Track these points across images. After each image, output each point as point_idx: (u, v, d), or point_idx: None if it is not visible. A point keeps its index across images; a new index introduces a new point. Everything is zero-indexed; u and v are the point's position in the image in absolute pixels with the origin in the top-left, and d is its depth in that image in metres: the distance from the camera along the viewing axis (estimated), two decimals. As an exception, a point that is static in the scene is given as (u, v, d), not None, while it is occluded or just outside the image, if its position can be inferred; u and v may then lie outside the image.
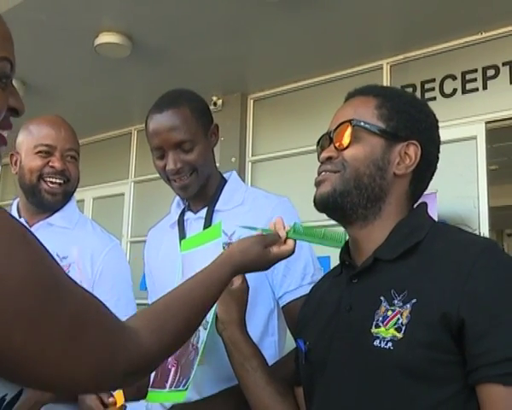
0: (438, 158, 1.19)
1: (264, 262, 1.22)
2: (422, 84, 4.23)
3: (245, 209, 1.61)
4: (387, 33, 4.11)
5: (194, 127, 1.56)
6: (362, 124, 1.14)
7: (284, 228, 1.25)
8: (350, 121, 1.14)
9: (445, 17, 3.78)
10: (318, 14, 3.75)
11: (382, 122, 1.14)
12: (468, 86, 4.03)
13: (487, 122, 3.86)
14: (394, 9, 3.72)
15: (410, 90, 4.24)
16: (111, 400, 1.43)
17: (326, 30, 3.99)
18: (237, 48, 4.29)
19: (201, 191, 1.63)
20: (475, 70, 4.02)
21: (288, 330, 1.58)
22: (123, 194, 6.04)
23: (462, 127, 3.83)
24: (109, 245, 1.86)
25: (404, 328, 0.99)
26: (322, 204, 1.16)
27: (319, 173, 1.18)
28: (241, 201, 1.63)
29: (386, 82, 4.35)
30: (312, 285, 1.44)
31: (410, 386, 0.98)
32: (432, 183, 1.22)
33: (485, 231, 3.71)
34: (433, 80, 4.19)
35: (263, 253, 1.20)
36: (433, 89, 4.17)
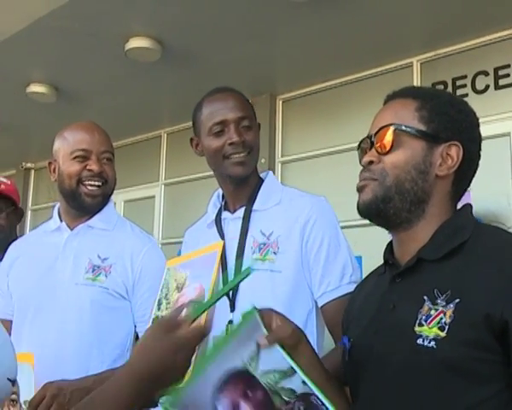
0: (479, 156, 1.20)
1: (173, 359, 0.94)
2: (454, 80, 4.16)
3: (282, 209, 1.63)
4: (416, 30, 4.05)
5: (251, 110, 1.69)
6: (403, 128, 1.14)
7: (185, 305, 1.06)
8: (391, 125, 1.15)
9: (475, 12, 3.71)
10: (346, 13, 3.73)
11: (423, 124, 1.15)
12: (501, 82, 3.96)
13: (521, 118, 3.79)
14: (423, 6, 3.67)
15: (441, 87, 4.18)
16: None
17: (354, 29, 3.95)
18: (265, 48, 4.29)
19: (244, 184, 1.66)
20: (508, 65, 3.94)
21: (326, 330, 1.58)
22: (153, 196, 6.10)
23: (496, 124, 3.79)
24: (148, 245, 1.90)
25: (447, 327, 1.01)
26: (365, 211, 1.18)
27: (360, 179, 1.20)
28: (279, 200, 1.65)
29: (416, 79, 4.30)
30: (351, 285, 1.49)
31: (454, 384, 1.00)
32: (465, 181, 1.22)
33: (519, 228, 3.64)
34: (465, 77, 4.12)
35: (167, 344, 0.94)
36: (464, 85, 4.10)
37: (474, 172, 1.20)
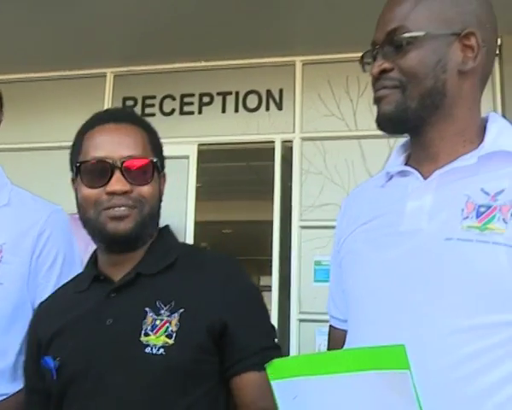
0: None
1: None
2: (144, 99, 4.34)
3: (11, 212, 1.47)
4: (114, 44, 4.12)
5: None
6: None
7: None
8: None
9: (169, 40, 3.95)
10: (51, 9, 3.59)
11: None
12: (186, 108, 4.29)
13: (199, 144, 4.16)
14: (124, 23, 3.77)
15: (131, 103, 4.33)
16: None
17: (56, 26, 3.80)
18: None
19: None
20: (193, 94, 4.29)
21: None
22: None
23: (177, 146, 4.06)
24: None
25: (174, 335, 1.11)
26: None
27: None
28: (7, 200, 1.49)
29: (108, 91, 4.37)
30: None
31: (181, 384, 1.11)
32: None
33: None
34: (154, 97, 4.34)
35: None
36: (153, 105, 4.32)
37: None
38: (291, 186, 4.05)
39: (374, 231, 1.06)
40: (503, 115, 3.74)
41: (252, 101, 4.23)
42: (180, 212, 4.04)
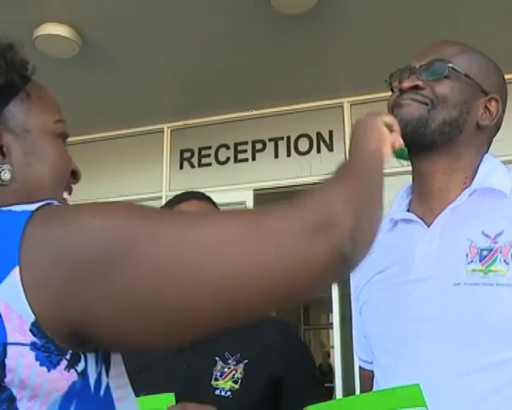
0: None
1: None
2: (200, 150, 4.52)
3: None
4: (169, 100, 4.35)
5: None
6: None
7: None
8: None
9: (220, 93, 4.14)
10: (104, 74, 3.82)
11: None
12: (240, 156, 4.44)
13: (255, 190, 4.27)
14: (177, 79, 3.97)
15: (188, 154, 4.52)
16: None
17: (110, 89, 4.06)
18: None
19: None
20: (246, 142, 4.44)
21: None
22: None
23: (234, 193, 4.18)
24: None
25: (240, 381, 1.33)
26: None
27: None
28: None
29: (166, 145, 4.59)
30: None
31: None
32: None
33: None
34: (210, 148, 4.51)
35: None
36: (209, 155, 4.49)
37: None
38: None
39: (388, 280, 1.11)
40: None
41: (303, 144, 4.33)
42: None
